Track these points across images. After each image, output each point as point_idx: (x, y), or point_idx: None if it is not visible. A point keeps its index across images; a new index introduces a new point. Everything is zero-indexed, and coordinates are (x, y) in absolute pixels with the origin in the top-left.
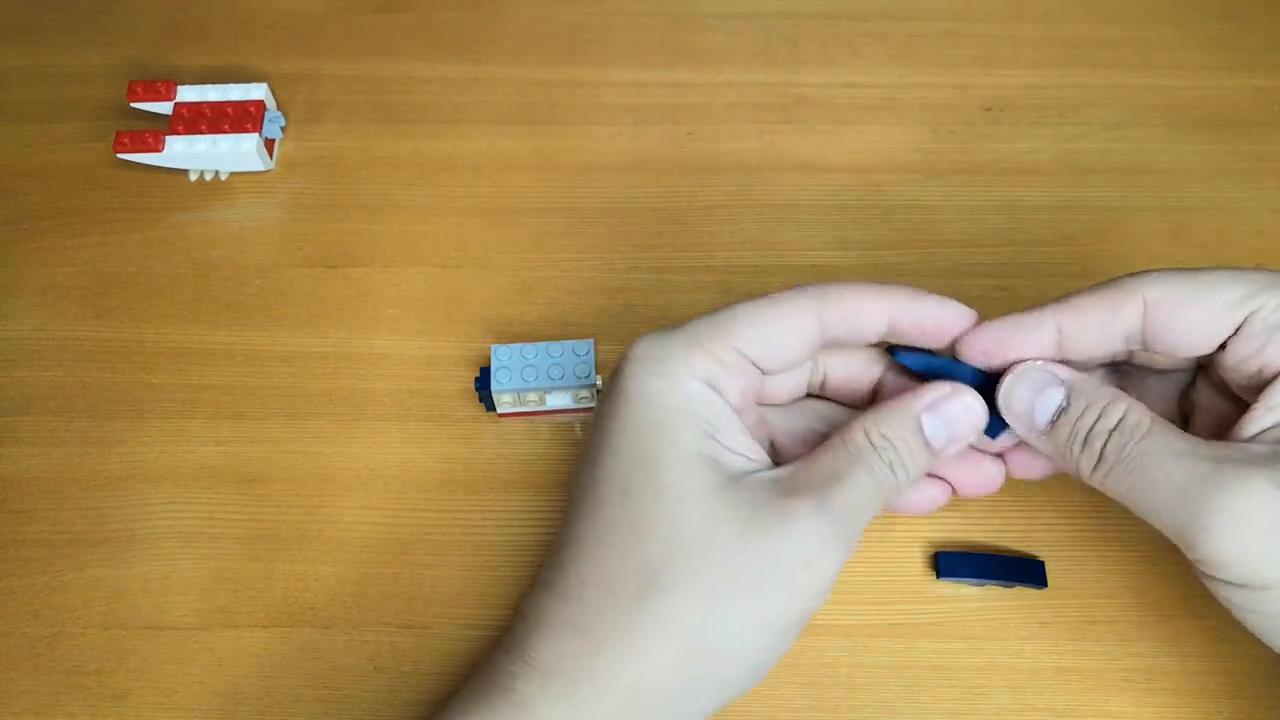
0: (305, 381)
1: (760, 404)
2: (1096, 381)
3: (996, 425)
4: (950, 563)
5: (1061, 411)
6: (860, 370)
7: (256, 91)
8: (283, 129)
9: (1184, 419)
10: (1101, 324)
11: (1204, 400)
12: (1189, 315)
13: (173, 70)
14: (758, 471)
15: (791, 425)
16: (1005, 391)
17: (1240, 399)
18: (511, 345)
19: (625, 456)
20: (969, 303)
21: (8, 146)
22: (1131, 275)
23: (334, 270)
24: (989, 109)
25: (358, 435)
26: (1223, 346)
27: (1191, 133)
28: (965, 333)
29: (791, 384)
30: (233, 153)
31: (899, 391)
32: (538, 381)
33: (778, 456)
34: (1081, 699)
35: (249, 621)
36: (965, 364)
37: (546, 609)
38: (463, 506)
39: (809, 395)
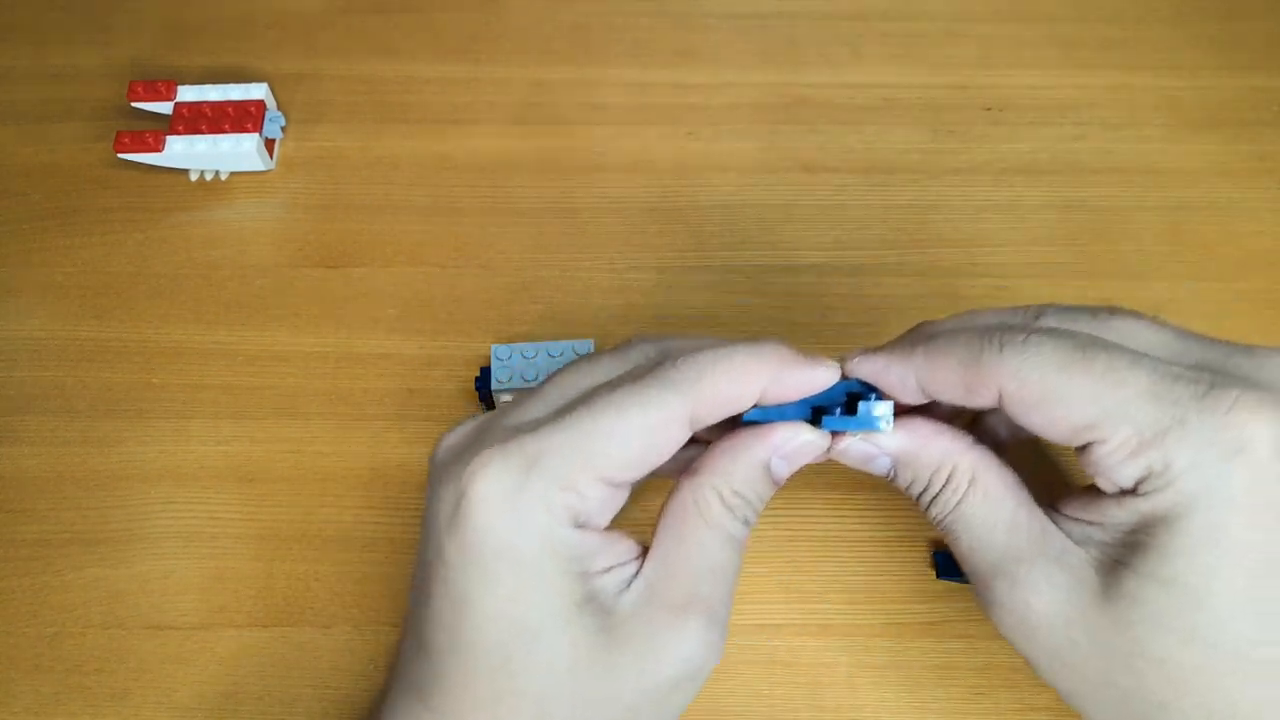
0: (305, 381)
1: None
2: (927, 439)
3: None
4: (949, 562)
5: (892, 477)
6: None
7: (257, 91)
8: (283, 129)
9: None
10: (958, 396)
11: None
12: (1037, 421)
13: (173, 70)
14: (630, 582)
15: None
16: (835, 456)
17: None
18: (511, 345)
19: (495, 624)
20: (969, 303)
21: (8, 146)
22: (995, 352)
23: (334, 270)
24: (989, 109)
25: (358, 435)
26: None
27: (1191, 133)
28: (850, 360)
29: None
30: (233, 153)
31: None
32: (538, 381)
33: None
34: None
35: (249, 621)
36: (791, 406)
37: None
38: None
39: None
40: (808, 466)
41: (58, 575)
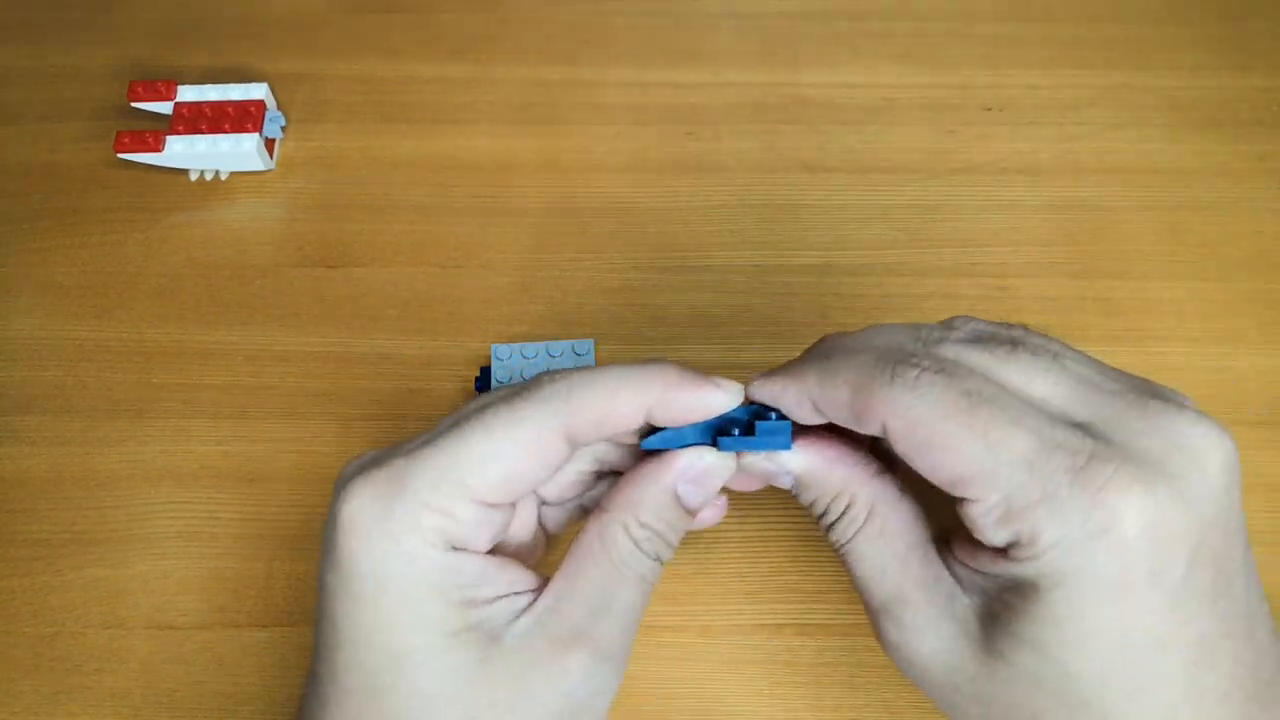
0: (305, 381)
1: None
2: (831, 466)
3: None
4: None
5: (796, 495)
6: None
7: (256, 91)
8: (283, 129)
9: None
10: (848, 422)
11: None
12: (918, 464)
13: (173, 70)
14: (521, 614)
15: (561, 483)
16: (742, 470)
17: None
18: (511, 345)
19: (367, 651)
20: (969, 303)
21: (8, 146)
22: (885, 384)
23: (334, 270)
24: (989, 109)
25: (358, 435)
26: None
27: (1191, 133)
28: (752, 385)
29: (562, 487)
30: (233, 152)
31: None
32: None
33: (545, 503)
34: None
35: (249, 621)
36: (691, 430)
37: None
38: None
39: None
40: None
41: (58, 575)
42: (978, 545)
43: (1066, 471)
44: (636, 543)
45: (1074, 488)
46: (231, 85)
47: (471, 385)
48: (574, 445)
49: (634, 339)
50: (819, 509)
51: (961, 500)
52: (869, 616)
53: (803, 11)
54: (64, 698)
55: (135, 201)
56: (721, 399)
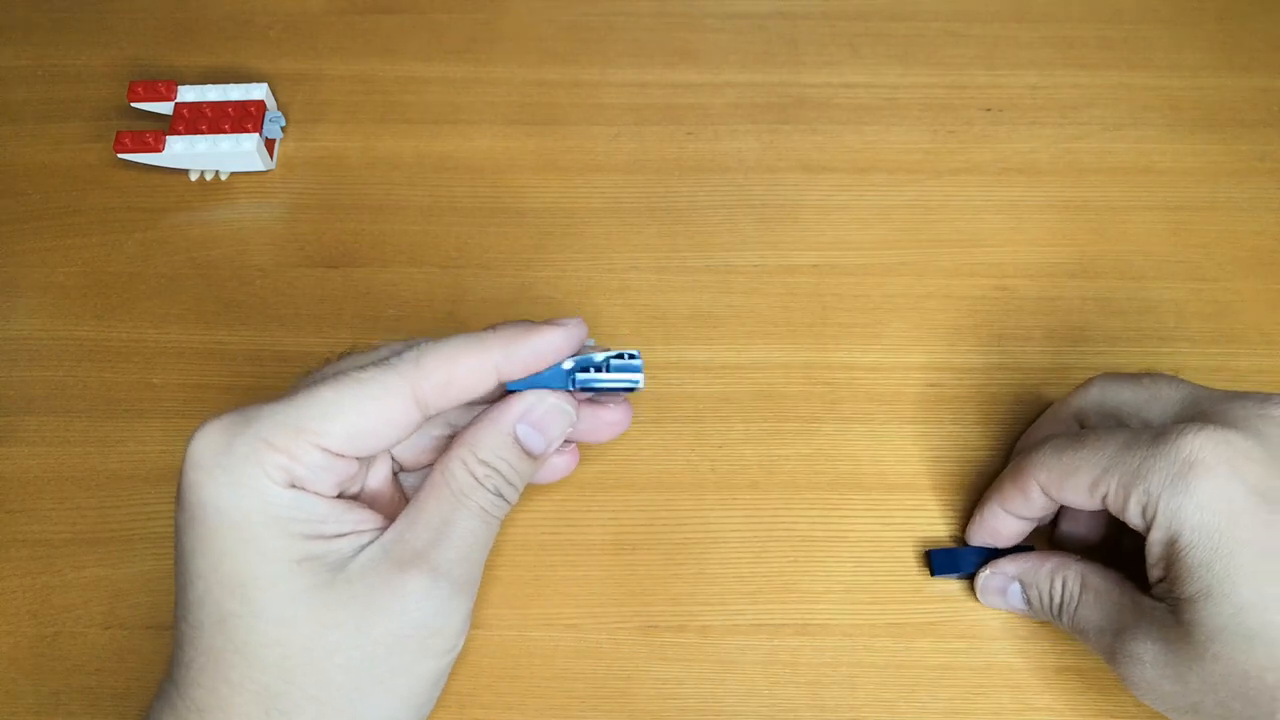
0: None
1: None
2: (1040, 560)
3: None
4: (942, 560)
5: (1027, 599)
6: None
7: (257, 91)
8: (283, 129)
9: None
10: (1025, 505)
11: None
12: (1066, 497)
13: (173, 70)
14: (366, 546)
15: (415, 445)
16: (981, 598)
17: None
18: None
19: (213, 582)
20: (969, 303)
21: (8, 146)
22: (1027, 458)
23: (334, 270)
24: (989, 109)
25: None
26: None
27: (1191, 133)
28: (968, 532)
29: (417, 452)
30: (233, 153)
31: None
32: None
33: (403, 470)
34: (1081, 699)
35: None
36: (557, 370)
37: None
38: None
39: None
40: (806, 468)
41: (58, 575)
42: (1147, 554)
43: (1150, 442)
44: (476, 478)
45: (1155, 447)
46: (231, 85)
47: None
48: (425, 410)
49: (634, 339)
50: (1045, 598)
51: (1106, 506)
52: (1110, 665)
53: (803, 11)
54: (64, 697)
55: (135, 201)
56: (559, 336)
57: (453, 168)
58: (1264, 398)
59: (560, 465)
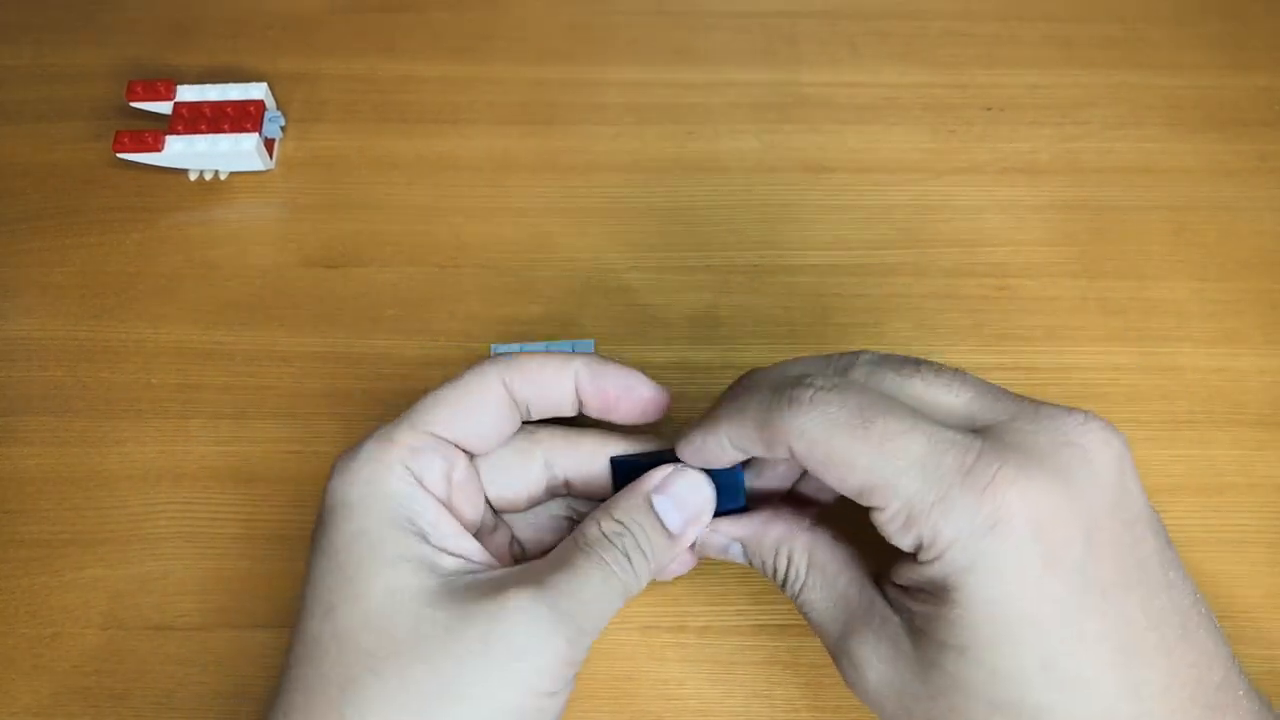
0: (305, 381)
1: (501, 510)
2: (765, 527)
3: (727, 500)
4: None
5: (749, 562)
6: (598, 471)
7: (256, 91)
8: (282, 129)
9: None
10: (762, 452)
11: None
12: (829, 478)
13: (172, 70)
14: (479, 572)
15: (536, 524)
16: (699, 552)
17: None
18: (511, 345)
19: (330, 576)
20: (969, 303)
21: (8, 146)
22: (782, 410)
23: (334, 270)
24: (989, 108)
25: (358, 435)
26: None
27: (1192, 132)
28: (678, 445)
29: (522, 486)
30: (232, 152)
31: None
32: None
33: (524, 559)
34: None
35: (249, 621)
36: (669, 453)
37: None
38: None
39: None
40: None
41: (58, 575)
42: (901, 560)
43: (957, 472)
44: (605, 534)
45: (964, 487)
46: (231, 85)
47: None
48: (514, 395)
49: (634, 339)
50: (768, 570)
51: (870, 509)
52: (831, 657)
53: (803, 11)
54: (64, 698)
55: (135, 201)
56: (638, 384)
57: (452, 167)
58: (1066, 416)
59: (675, 569)
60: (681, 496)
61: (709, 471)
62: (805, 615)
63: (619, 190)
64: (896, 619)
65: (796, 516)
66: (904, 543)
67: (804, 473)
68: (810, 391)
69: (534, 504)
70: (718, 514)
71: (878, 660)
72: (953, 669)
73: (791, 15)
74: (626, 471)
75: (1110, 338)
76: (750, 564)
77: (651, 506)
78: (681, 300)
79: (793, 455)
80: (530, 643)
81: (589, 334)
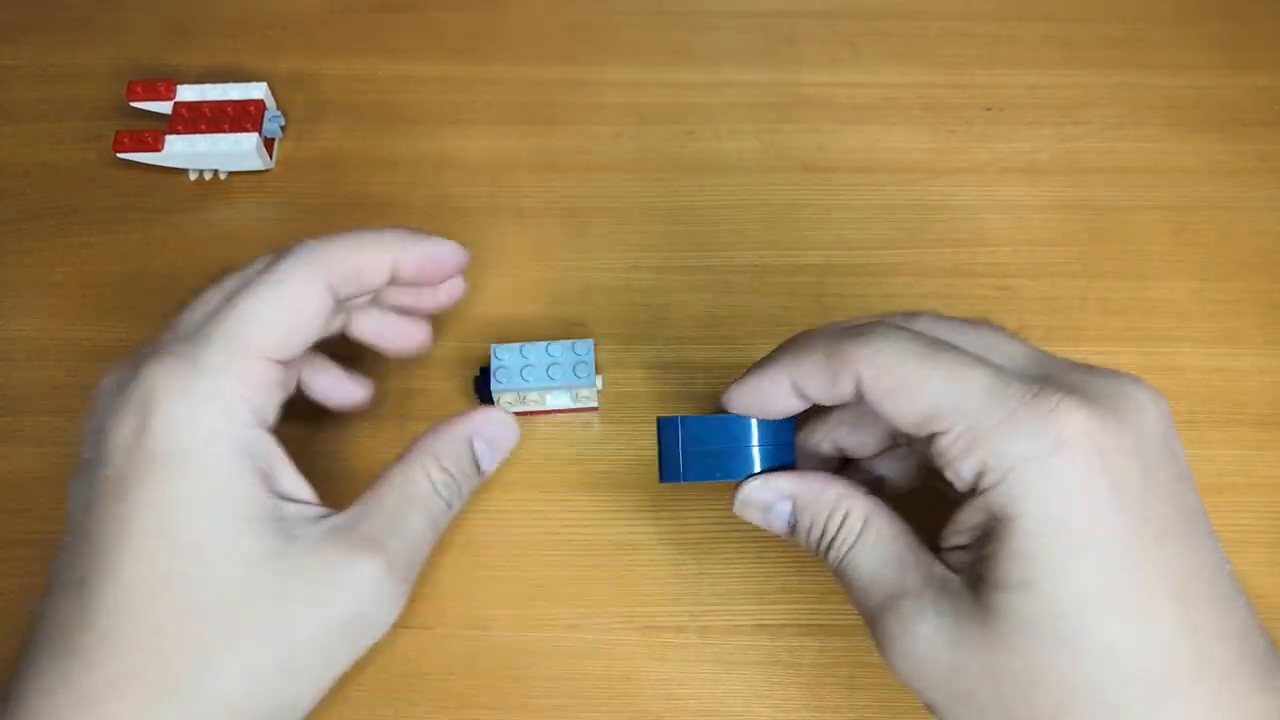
0: None
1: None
2: (822, 485)
3: (778, 455)
4: (684, 453)
5: (793, 524)
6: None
7: (256, 91)
8: (282, 128)
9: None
10: (825, 387)
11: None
12: (889, 409)
13: (172, 70)
14: (318, 519)
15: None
16: (738, 511)
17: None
18: (511, 345)
19: (162, 539)
20: (969, 303)
21: (8, 146)
22: (853, 339)
23: None
24: (989, 108)
25: (358, 435)
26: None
27: (1192, 132)
28: (727, 391)
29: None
30: (232, 152)
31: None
32: (538, 381)
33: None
34: None
35: None
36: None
37: (48, 667)
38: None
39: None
40: None
41: None
42: (956, 516)
43: (1022, 397)
44: (434, 485)
45: (1029, 409)
46: (231, 85)
47: (471, 385)
48: (335, 294)
49: (634, 339)
50: (817, 529)
51: (933, 438)
52: (871, 628)
53: (803, 10)
54: None
55: (135, 201)
56: (447, 251)
57: (452, 167)
58: (1118, 375)
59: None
60: (498, 439)
61: (760, 425)
62: (849, 579)
63: (619, 190)
64: (957, 577)
65: (849, 482)
66: (965, 469)
67: (845, 462)
68: (881, 328)
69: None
70: (764, 470)
71: (936, 615)
72: (1017, 609)
73: (791, 15)
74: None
75: (1110, 338)
76: (790, 529)
77: (473, 451)
78: (681, 300)
79: (859, 386)
80: (379, 612)
81: (589, 334)
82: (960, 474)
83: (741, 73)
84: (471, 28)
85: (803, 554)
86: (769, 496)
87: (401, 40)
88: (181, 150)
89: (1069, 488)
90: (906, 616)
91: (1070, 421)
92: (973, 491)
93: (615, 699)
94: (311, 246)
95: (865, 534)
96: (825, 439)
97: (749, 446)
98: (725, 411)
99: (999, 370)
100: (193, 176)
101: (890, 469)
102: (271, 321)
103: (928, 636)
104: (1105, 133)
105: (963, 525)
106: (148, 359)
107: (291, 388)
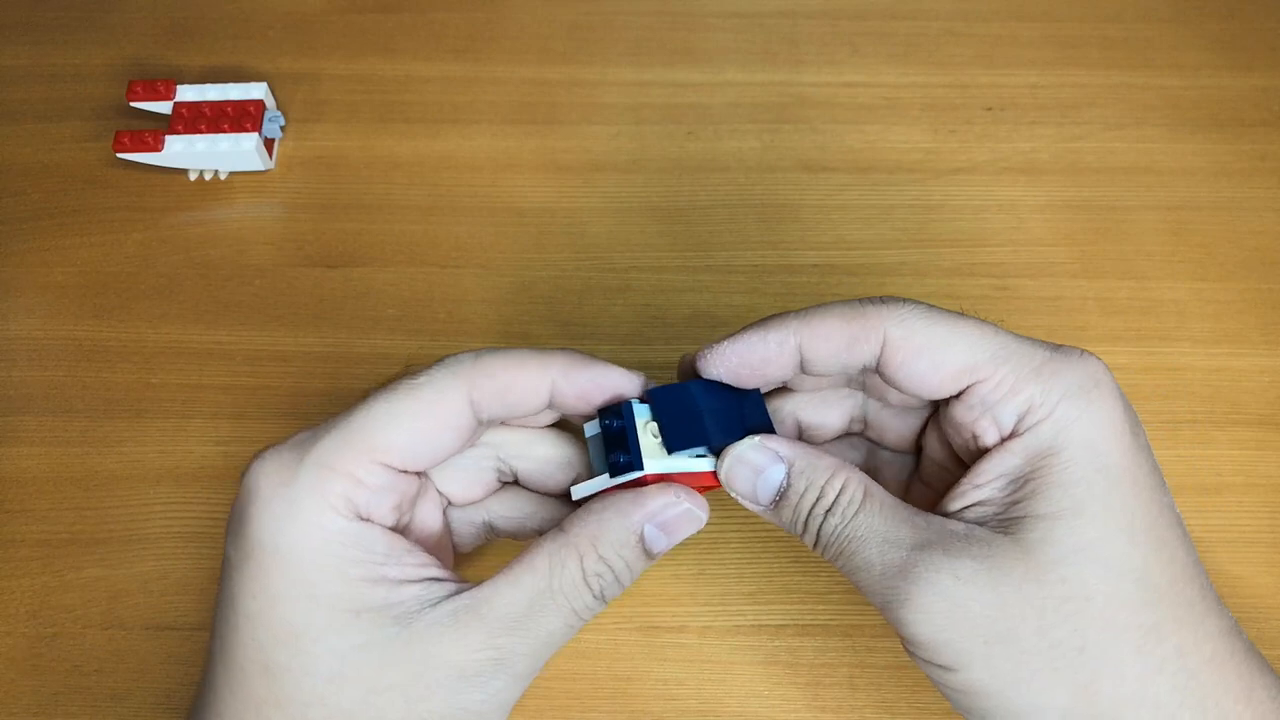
0: (305, 381)
1: (450, 504)
2: (817, 452)
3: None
4: (679, 418)
5: (783, 492)
6: (553, 471)
7: (256, 91)
8: (282, 128)
9: (919, 454)
10: (839, 351)
11: (931, 448)
12: (921, 367)
13: (172, 70)
14: (441, 601)
15: (460, 475)
16: (727, 470)
17: (959, 457)
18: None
19: (263, 626)
20: (969, 303)
21: (8, 146)
22: (876, 304)
23: (334, 270)
24: (989, 109)
25: None
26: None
27: (1192, 132)
28: (708, 351)
29: (475, 487)
30: (232, 152)
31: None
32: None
33: (451, 505)
34: None
35: None
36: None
37: None
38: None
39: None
40: None
41: (58, 575)
42: (974, 473)
43: (1048, 347)
44: (586, 575)
45: (1062, 355)
46: (231, 85)
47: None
48: (478, 414)
49: (634, 339)
50: (813, 495)
51: (964, 395)
52: (883, 591)
53: (803, 11)
54: (64, 698)
55: (135, 201)
56: (619, 379)
57: (452, 167)
58: (1079, 351)
59: None
60: (674, 527)
61: (725, 390)
62: (854, 547)
63: (619, 190)
64: (980, 528)
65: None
66: (1007, 413)
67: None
68: (897, 297)
69: (476, 497)
70: (748, 432)
71: (972, 560)
72: (1063, 536)
73: (791, 15)
74: (663, 404)
75: (1110, 338)
76: (777, 497)
77: (642, 539)
78: (681, 300)
79: (883, 350)
80: (485, 710)
81: (588, 334)
82: (1000, 419)
83: (741, 73)
84: (471, 28)
85: (803, 554)
86: (763, 459)
87: (401, 40)
88: (181, 150)
89: (1104, 422)
90: (939, 563)
91: (1095, 365)
92: (1007, 437)
93: (615, 699)
94: (462, 358)
95: (870, 498)
96: (789, 417)
97: (740, 418)
98: (694, 376)
99: (1008, 332)
100: (193, 176)
101: (842, 455)
102: (396, 427)
103: (963, 579)
104: (1105, 133)
105: (991, 474)
106: (273, 446)
107: (413, 494)
